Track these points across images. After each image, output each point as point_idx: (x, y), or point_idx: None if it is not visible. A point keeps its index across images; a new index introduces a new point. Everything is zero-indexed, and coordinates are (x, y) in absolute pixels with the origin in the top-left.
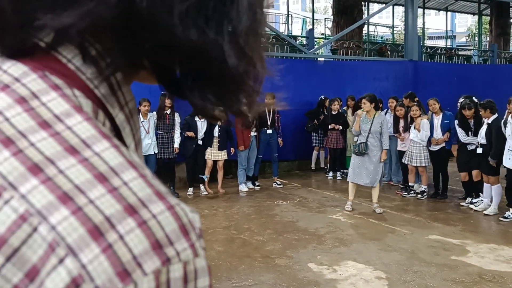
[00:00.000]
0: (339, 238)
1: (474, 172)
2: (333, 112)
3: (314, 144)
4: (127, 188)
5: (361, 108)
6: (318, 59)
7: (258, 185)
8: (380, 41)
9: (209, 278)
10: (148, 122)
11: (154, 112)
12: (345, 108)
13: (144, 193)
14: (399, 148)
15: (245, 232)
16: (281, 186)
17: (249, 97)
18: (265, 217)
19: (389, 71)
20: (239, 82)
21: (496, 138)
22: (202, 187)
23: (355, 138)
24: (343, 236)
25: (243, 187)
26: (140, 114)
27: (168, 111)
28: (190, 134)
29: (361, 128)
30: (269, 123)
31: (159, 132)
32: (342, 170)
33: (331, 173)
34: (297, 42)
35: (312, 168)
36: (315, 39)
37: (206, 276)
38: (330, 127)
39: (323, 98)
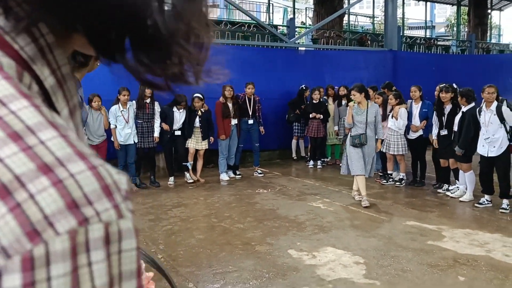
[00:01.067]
0: (319, 225)
1: (451, 160)
2: (314, 101)
3: (295, 134)
4: (43, 147)
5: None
6: (299, 48)
7: (239, 174)
8: (361, 31)
9: (136, 240)
10: (127, 111)
11: (134, 101)
12: (325, 97)
13: (63, 152)
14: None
15: (225, 220)
16: (262, 175)
17: (188, 62)
18: (245, 205)
19: (369, 61)
20: (171, 43)
21: (466, 128)
22: (187, 174)
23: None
24: (323, 223)
25: (224, 176)
26: (120, 104)
27: (148, 100)
28: (166, 127)
29: (355, 119)
30: (250, 113)
31: (139, 121)
32: (322, 159)
33: (311, 162)
34: (278, 31)
35: (294, 158)
36: (296, 29)
37: (132, 238)
38: (311, 116)
39: (304, 88)
